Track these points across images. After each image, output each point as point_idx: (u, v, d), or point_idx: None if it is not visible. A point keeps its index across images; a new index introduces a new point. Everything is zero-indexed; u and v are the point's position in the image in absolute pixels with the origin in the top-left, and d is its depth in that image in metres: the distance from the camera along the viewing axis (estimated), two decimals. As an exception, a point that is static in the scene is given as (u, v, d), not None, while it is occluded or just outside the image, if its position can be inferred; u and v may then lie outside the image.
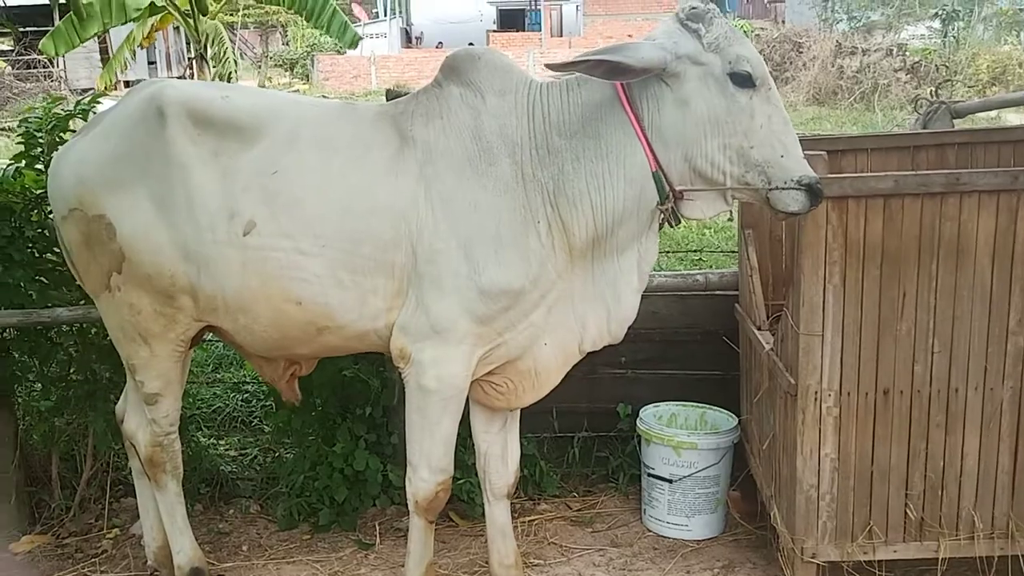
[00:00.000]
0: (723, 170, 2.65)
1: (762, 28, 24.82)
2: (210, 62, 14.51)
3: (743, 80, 2.59)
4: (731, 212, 2.92)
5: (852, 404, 3.02)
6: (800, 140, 2.70)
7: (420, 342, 2.82)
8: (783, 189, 2.60)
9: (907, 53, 19.36)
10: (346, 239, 2.78)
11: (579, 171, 2.73)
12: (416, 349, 2.83)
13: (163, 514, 3.31)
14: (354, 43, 13.29)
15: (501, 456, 3.24)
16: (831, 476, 3.05)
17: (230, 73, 14.39)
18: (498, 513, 3.27)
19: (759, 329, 3.53)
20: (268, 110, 2.91)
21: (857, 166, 3.76)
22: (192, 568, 3.30)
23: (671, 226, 2.83)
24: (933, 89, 4.71)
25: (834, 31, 23.71)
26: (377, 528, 3.89)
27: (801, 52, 18.82)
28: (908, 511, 3.07)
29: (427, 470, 2.95)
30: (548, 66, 2.68)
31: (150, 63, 32.96)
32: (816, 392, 3.00)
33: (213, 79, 14.59)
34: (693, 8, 2.63)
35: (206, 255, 2.86)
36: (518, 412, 3.25)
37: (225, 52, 14.65)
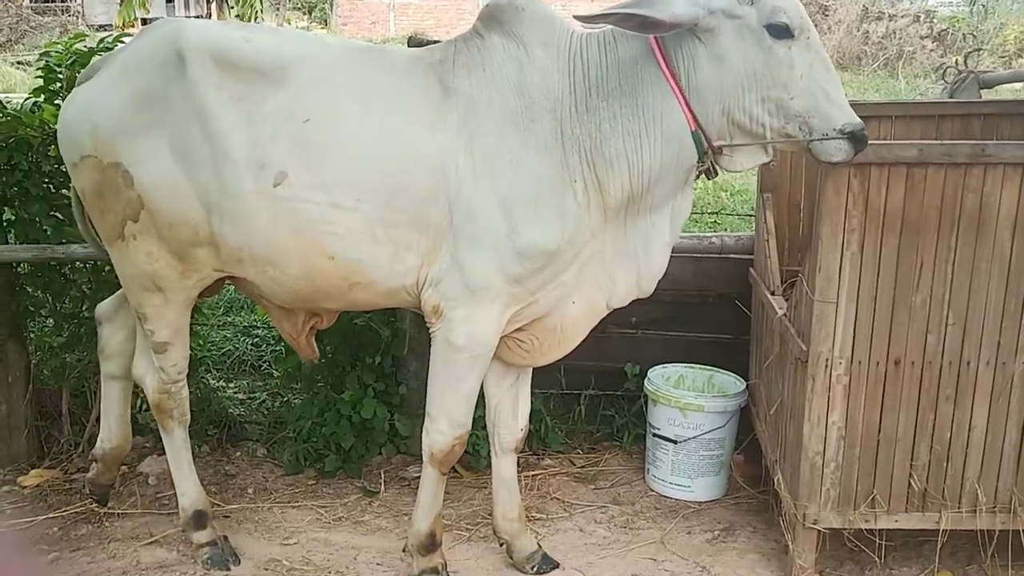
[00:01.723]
0: (762, 123, 2.60)
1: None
2: (230, 2, 14.37)
3: (781, 31, 2.53)
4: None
5: (862, 373, 3.01)
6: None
7: (453, 299, 2.78)
8: (826, 139, 2.56)
9: (934, 20, 19.05)
10: (383, 192, 2.71)
11: (616, 130, 2.68)
12: (449, 306, 2.80)
13: (169, 458, 3.33)
14: None
15: (511, 410, 3.24)
16: (837, 444, 3.05)
17: (256, 13, 14.24)
18: (505, 467, 3.28)
19: (773, 294, 3.51)
20: (295, 53, 2.79)
21: (881, 133, 3.72)
22: (196, 511, 3.32)
23: (708, 179, 2.81)
24: (961, 58, 4.63)
25: (861, -5, 23.33)
26: (382, 476, 3.92)
27: (827, 15, 18.52)
28: (912, 481, 3.07)
29: (446, 423, 2.94)
30: (577, 18, 2.60)
31: (168, 1, 32.70)
32: (827, 359, 2.99)
33: (244, 20, 14.49)
34: None
35: (231, 206, 2.76)
36: (531, 368, 3.24)
37: None
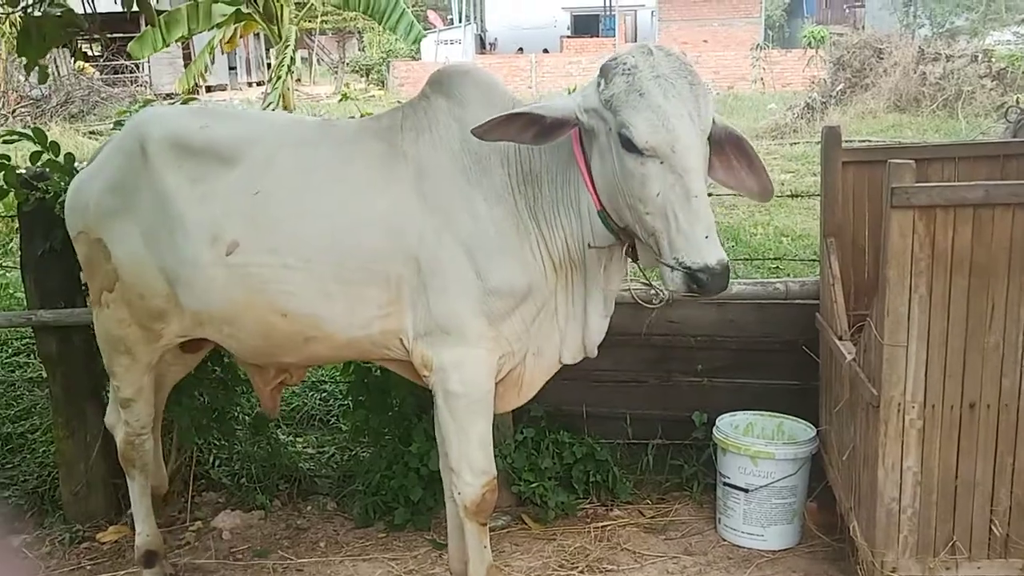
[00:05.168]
0: (635, 226, 2.58)
1: (840, 33, 24.39)
2: (287, 66, 14.72)
3: (629, 144, 2.45)
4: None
5: (936, 417, 2.96)
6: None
7: (437, 348, 2.87)
8: (665, 265, 2.49)
9: (992, 59, 18.82)
10: (333, 253, 2.85)
11: (553, 194, 2.79)
12: (436, 356, 2.88)
13: (132, 502, 3.56)
14: (417, 40, 13.53)
15: None
16: (913, 489, 3.00)
17: (279, 75, 14.54)
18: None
19: (840, 339, 3.48)
20: (245, 135, 3.02)
21: (944, 175, 3.69)
22: (147, 550, 3.53)
23: (633, 261, 2.79)
24: (1022, 96, 4.58)
25: (916, 37, 23.18)
26: (451, 529, 3.92)
27: (882, 58, 18.39)
28: (993, 527, 3.00)
29: (469, 474, 2.96)
30: (472, 131, 2.63)
31: (231, 68, 33.76)
32: (899, 404, 2.95)
33: (274, 83, 14.85)
34: (608, 60, 2.58)
35: (189, 276, 2.98)
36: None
37: (285, 54, 14.81)
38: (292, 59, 14.71)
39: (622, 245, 2.74)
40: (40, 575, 3.74)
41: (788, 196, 7.36)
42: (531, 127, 2.59)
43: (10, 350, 5.20)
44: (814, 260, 4.82)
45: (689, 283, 2.43)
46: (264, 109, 13.46)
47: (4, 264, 6.48)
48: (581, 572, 3.57)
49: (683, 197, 2.42)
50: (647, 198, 2.46)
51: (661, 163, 2.43)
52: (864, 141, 11.29)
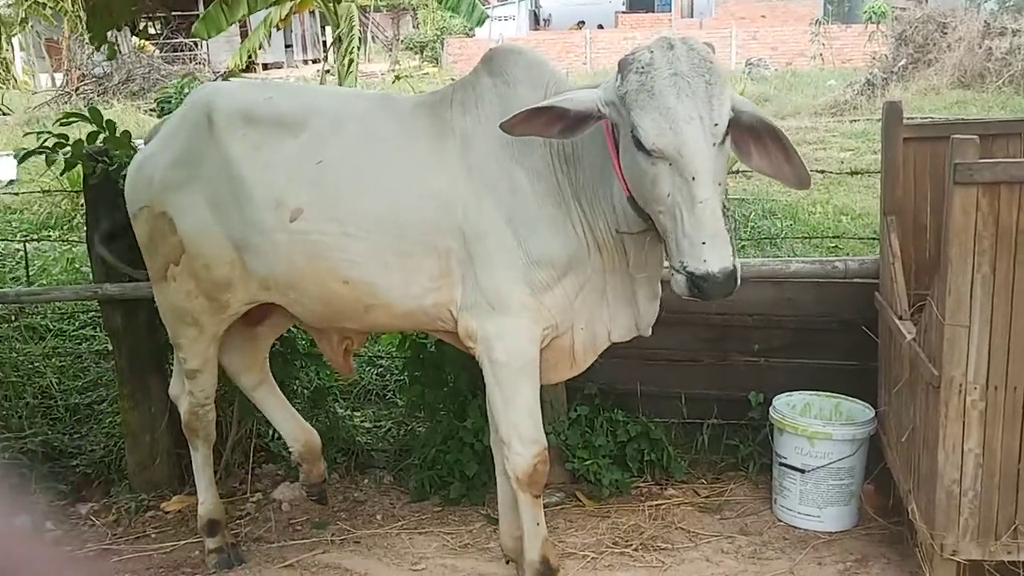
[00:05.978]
0: (655, 221, 2.57)
1: (903, 8, 23.82)
2: (342, 44, 14.80)
3: (640, 144, 2.43)
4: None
5: (999, 399, 2.91)
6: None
7: (481, 318, 2.92)
8: (671, 266, 2.49)
9: (1062, 33, 18.25)
10: (392, 225, 2.91)
11: (594, 176, 2.80)
12: (480, 326, 2.92)
13: (195, 472, 3.65)
14: (481, 21, 13.46)
15: None
16: (974, 472, 2.95)
17: (351, 58, 14.60)
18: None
19: (900, 319, 3.43)
20: (310, 106, 3.09)
21: (1010, 151, 3.60)
22: (210, 519, 3.61)
23: None
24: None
25: (982, 11, 22.55)
26: (506, 504, 3.95)
27: (946, 33, 17.93)
28: (1057, 512, 2.94)
29: (519, 443, 2.98)
30: (500, 126, 2.64)
31: (287, 46, 34.02)
32: (961, 385, 2.91)
33: (340, 61, 14.93)
34: (628, 55, 2.52)
35: (255, 243, 3.05)
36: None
37: (352, 34, 14.88)
38: (360, 40, 14.78)
39: (652, 230, 2.70)
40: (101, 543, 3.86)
41: (848, 174, 7.24)
42: (558, 122, 2.60)
43: (77, 323, 5.35)
44: (874, 239, 4.75)
45: (691, 288, 2.44)
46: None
47: (71, 239, 6.63)
48: (635, 550, 3.58)
49: (689, 201, 2.40)
50: (658, 197, 2.46)
51: (670, 165, 2.42)
52: (926, 118, 11.05)
